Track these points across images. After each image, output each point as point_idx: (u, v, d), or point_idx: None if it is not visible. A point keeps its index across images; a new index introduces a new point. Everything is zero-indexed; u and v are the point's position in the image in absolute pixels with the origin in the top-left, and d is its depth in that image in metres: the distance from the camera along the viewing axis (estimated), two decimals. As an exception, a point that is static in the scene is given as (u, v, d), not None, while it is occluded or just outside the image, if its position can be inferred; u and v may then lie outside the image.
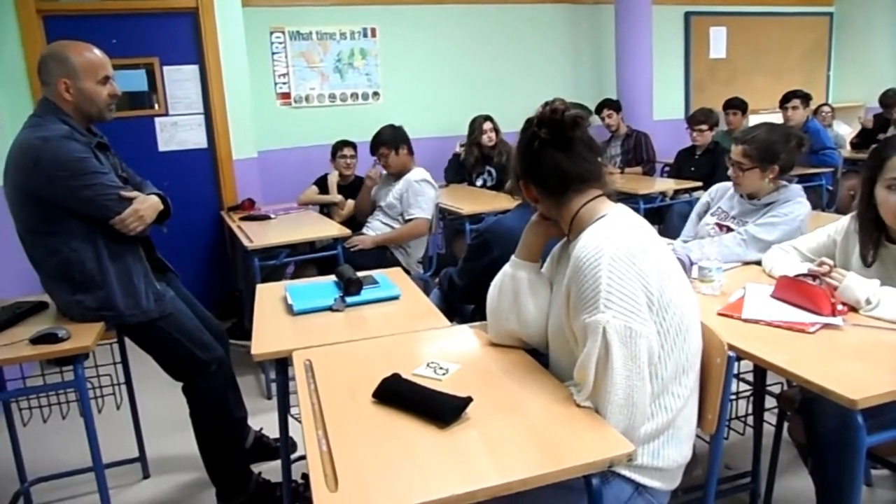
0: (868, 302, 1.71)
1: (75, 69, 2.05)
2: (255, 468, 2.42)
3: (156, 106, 4.30)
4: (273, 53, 5.07)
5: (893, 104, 5.47)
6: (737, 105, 5.29)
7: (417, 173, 3.79)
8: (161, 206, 2.20)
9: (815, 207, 2.74)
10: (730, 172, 2.38)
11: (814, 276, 1.84)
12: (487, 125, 4.81)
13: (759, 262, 2.22)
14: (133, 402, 2.58)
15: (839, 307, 1.70)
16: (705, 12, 6.40)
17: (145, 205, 2.12)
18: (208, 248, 4.53)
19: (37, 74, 2.12)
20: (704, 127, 4.71)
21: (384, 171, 3.87)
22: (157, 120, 4.32)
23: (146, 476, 2.61)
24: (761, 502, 2.18)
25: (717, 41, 6.49)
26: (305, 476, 2.13)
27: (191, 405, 2.29)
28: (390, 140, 3.79)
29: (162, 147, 4.35)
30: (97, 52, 2.12)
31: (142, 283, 2.15)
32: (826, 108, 5.97)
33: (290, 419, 2.03)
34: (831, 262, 1.87)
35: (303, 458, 1.29)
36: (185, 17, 4.26)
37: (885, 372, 1.40)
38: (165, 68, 4.28)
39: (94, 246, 2.07)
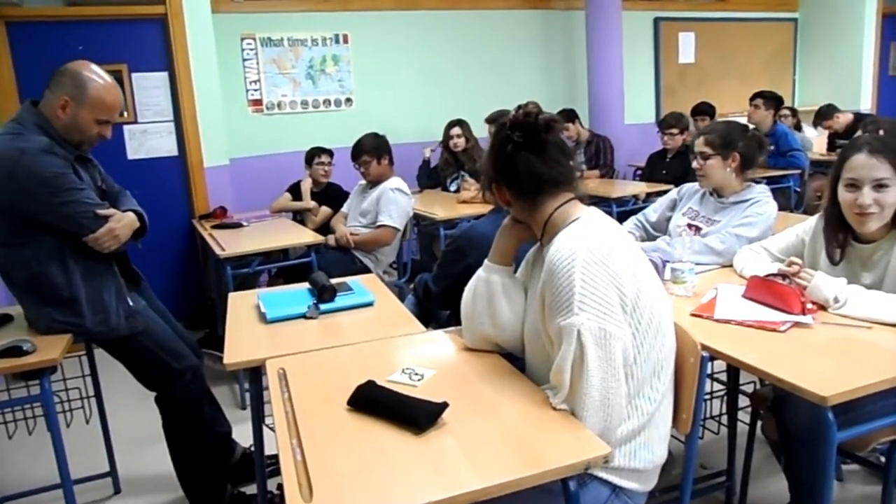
0: (836, 300, 1.74)
1: (84, 97, 2.01)
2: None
3: (125, 114, 4.23)
4: (244, 60, 5.03)
5: (829, 117, 5.66)
6: (704, 111, 5.39)
7: (393, 182, 3.80)
8: (137, 224, 2.16)
9: (782, 209, 2.79)
10: (695, 165, 2.44)
11: (784, 276, 1.87)
12: (454, 131, 4.82)
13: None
14: (103, 415, 2.53)
15: (809, 306, 1.73)
16: (674, 18, 6.49)
17: (121, 223, 2.08)
18: (180, 257, 4.46)
19: (49, 77, 2.05)
20: (675, 131, 4.78)
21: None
22: (127, 128, 4.25)
23: (117, 491, 2.55)
24: (737, 500, 2.20)
25: (686, 46, 6.59)
26: (281, 487, 2.10)
27: (164, 416, 2.25)
28: (373, 149, 3.79)
29: (131, 155, 4.28)
30: (117, 95, 2.09)
31: (113, 301, 2.10)
32: (785, 111, 6.10)
33: (266, 429, 2.00)
34: (800, 262, 1.90)
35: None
36: (153, 24, 4.20)
37: (853, 368, 1.43)
38: (134, 75, 4.21)
39: (63, 261, 2.03)
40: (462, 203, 4.15)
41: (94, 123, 2.05)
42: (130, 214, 2.14)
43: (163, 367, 2.19)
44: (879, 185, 1.73)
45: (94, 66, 2.08)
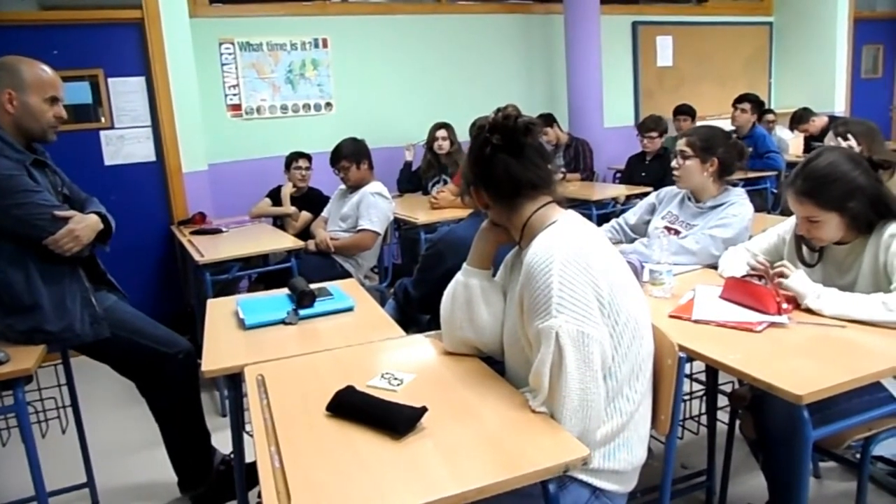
0: (814, 292, 1.77)
1: (23, 82, 2.00)
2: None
3: (101, 119, 4.18)
4: (223, 65, 4.99)
5: (805, 121, 5.75)
6: (686, 111, 5.47)
7: (373, 186, 3.79)
8: (101, 226, 2.13)
9: (760, 210, 2.83)
10: (674, 164, 2.46)
11: (759, 276, 1.90)
12: (440, 133, 4.82)
13: (715, 266, 2.26)
14: (80, 425, 2.48)
15: (784, 306, 1.75)
16: (651, 22, 6.55)
17: (82, 225, 2.04)
18: (158, 263, 4.41)
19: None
20: (654, 134, 4.84)
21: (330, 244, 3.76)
22: (103, 133, 4.19)
23: (95, 502, 2.51)
24: (717, 499, 2.22)
25: (664, 50, 6.65)
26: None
27: (157, 399, 2.25)
28: (352, 154, 3.79)
29: (108, 161, 4.22)
30: (50, 71, 2.08)
31: (77, 306, 2.07)
32: (770, 116, 6.18)
33: (246, 436, 1.98)
34: (762, 258, 1.93)
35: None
36: (130, 29, 4.15)
37: (828, 367, 1.45)
38: (111, 80, 4.15)
39: (25, 267, 1.99)
40: (435, 208, 4.13)
41: (45, 105, 2.04)
42: (93, 216, 2.11)
43: (151, 354, 2.19)
44: (810, 221, 1.80)
45: (15, 55, 2.07)
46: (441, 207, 4.11)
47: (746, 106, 5.14)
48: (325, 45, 5.27)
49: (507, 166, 1.42)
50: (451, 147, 4.82)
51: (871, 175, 1.78)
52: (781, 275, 1.84)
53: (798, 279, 1.81)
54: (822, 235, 1.82)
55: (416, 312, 2.26)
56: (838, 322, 1.68)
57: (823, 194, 1.76)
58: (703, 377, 2.28)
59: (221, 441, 2.57)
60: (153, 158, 4.32)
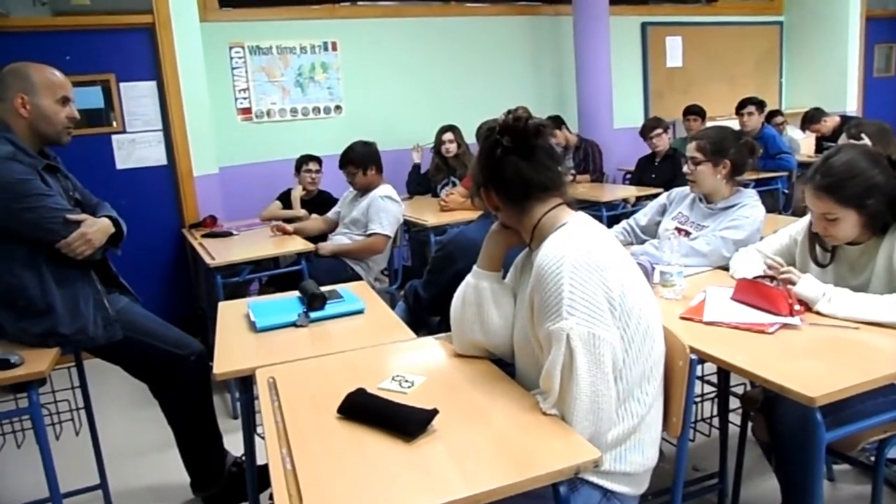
0: (824, 295, 1.76)
1: (34, 85, 2.03)
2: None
3: (113, 123, 4.21)
4: (233, 69, 5.02)
5: (817, 121, 5.70)
6: (696, 112, 5.45)
7: (383, 189, 3.79)
8: (112, 229, 2.15)
9: (771, 211, 2.82)
10: (685, 169, 2.45)
11: (771, 278, 1.89)
12: (447, 136, 4.83)
13: (726, 268, 2.25)
14: (93, 427, 2.50)
15: (796, 307, 1.74)
16: (661, 22, 6.53)
17: (94, 228, 2.06)
18: (170, 266, 4.44)
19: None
20: (659, 130, 4.83)
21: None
22: (115, 137, 4.22)
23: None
24: (729, 502, 2.21)
25: (674, 50, 6.63)
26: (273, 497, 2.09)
27: (170, 402, 2.27)
28: (359, 160, 3.78)
29: (120, 165, 4.25)
30: (58, 73, 2.11)
31: (90, 309, 2.09)
32: (779, 118, 6.15)
33: (257, 438, 1.99)
34: (780, 260, 1.92)
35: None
36: (141, 33, 4.18)
37: (841, 369, 1.44)
38: (122, 85, 4.19)
39: (38, 271, 2.01)
40: (445, 210, 4.14)
41: (58, 106, 2.07)
42: (104, 219, 2.13)
43: (163, 356, 2.20)
44: (826, 218, 1.78)
45: (24, 62, 2.09)
46: (451, 209, 4.11)
47: (752, 108, 5.13)
48: (334, 49, 5.29)
49: (518, 168, 1.42)
50: (459, 149, 4.83)
51: (890, 174, 1.76)
52: (789, 281, 1.83)
53: (806, 285, 1.80)
54: (837, 233, 1.80)
55: (427, 314, 2.27)
56: (851, 323, 1.67)
57: (843, 191, 1.74)
58: (714, 379, 2.27)
59: (233, 443, 2.58)
60: (164, 162, 4.35)
